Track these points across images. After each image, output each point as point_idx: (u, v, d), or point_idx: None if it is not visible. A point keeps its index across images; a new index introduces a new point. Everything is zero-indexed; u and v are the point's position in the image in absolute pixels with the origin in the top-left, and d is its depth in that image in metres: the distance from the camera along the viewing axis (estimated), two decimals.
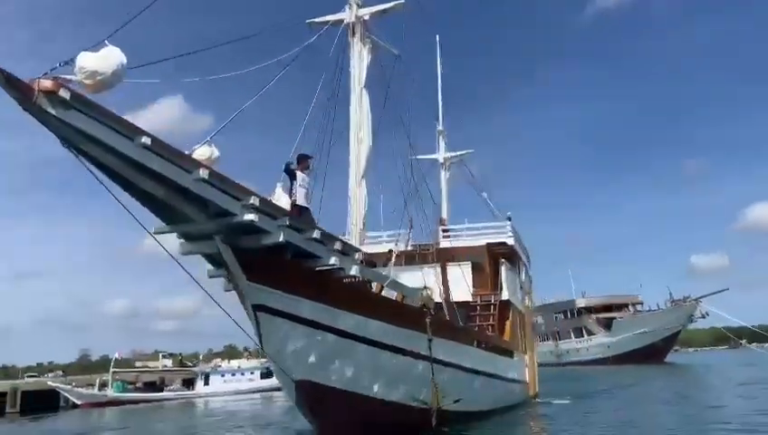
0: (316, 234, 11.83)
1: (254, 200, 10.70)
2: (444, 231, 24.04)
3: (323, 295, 12.39)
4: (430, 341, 13.86)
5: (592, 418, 18.55)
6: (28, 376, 68.16)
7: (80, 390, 52.00)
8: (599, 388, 31.38)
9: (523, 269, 26.54)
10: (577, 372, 55.20)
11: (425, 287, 15.61)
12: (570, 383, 37.22)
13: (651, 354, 63.60)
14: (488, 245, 23.34)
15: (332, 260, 12.21)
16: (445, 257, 21.86)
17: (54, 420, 40.28)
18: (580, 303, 75.04)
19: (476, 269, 21.49)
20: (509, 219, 25.06)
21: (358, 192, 16.95)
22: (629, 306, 74.16)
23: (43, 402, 49.36)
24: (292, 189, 13.65)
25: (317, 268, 12.43)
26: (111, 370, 54.00)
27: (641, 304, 73.87)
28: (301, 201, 13.66)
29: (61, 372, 68.42)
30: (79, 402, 49.93)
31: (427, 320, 13.87)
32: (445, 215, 26.95)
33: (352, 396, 12.96)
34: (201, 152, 10.93)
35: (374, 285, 15.45)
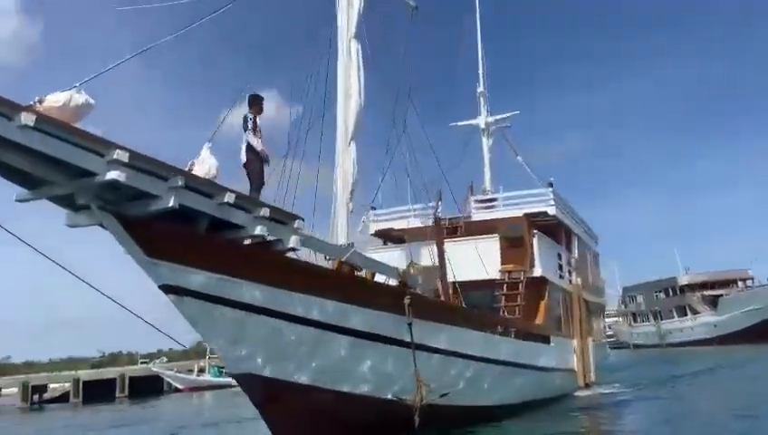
0: (228, 198, 9.03)
1: (119, 155, 8.08)
2: (476, 202, 20.65)
3: (261, 273, 9.77)
4: (410, 325, 10.86)
5: (633, 410, 15.10)
6: (141, 362, 69.94)
7: (180, 375, 52.32)
8: (686, 371, 27.18)
9: (574, 242, 22.59)
10: (678, 353, 49.73)
11: (412, 263, 12.62)
12: (657, 367, 32.75)
13: (765, 332, 56.19)
14: (527, 215, 19.77)
15: (258, 229, 9.44)
16: (477, 231, 18.64)
17: (154, 403, 40.32)
18: (683, 280, 67.60)
19: (511, 243, 18.11)
20: (550, 185, 21.28)
21: (345, 157, 13.99)
22: (738, 282, 66.15)
23: (148, 387, 50.06)
24: (249, 138, 10.92)
25: (246, 241, 9.74)
26: (207, 356, 53.92)
27: (752, 279, 65.68)
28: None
29: (165, 359, 69.76)
30: (180, 387, 50.11)
31: (407, 301, 10.84)
32: (488, 185, 23.37)
33: (313, 391, 10.36)
34: (55, 99, 8.36)
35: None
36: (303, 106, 14.54)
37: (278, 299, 9.89)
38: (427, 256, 17.81)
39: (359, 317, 10.71)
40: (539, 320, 17.08)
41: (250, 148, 10.79)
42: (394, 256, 18.68)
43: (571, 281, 20.45)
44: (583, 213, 24.98)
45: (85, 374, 53.80)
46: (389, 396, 11.06)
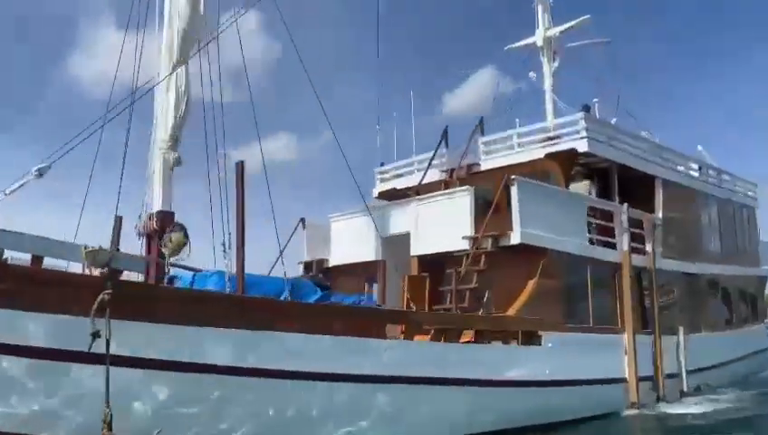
0: None
1: None
2: (484, 144, 14.78)
3: None
4: (96, 334, 6.57)
5: None
6: None
7: None
8: None
9: (657, 193, 15.21)
10: None
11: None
12: None
13: None
14: (550, 157, 13.66)
15: None
16: (486, 182, 13.15)
17: None
18: None
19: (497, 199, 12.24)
20: (586, 109, 14.51)
21: (170, 83, 9.82)
22: None
23: None
24: None
25: None
26: None
27: None
28: None
29: None
30: None
31: (104, 296, 6.63)
32: (551, 126, 16.85)
33: None
34: None
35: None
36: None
37: None
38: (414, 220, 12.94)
39: None
40: (514, 309, 11.10)
41: None
42: (359, 225, 14.07)
43: (628, 249, 13.38)
44: None
45: None
46: None
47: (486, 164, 14.50)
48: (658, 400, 13.45)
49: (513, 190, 11.37)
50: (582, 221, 12.74)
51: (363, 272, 13.53)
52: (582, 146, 13.20)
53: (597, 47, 18.59)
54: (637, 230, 14.04)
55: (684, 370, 14.33)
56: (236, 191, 8.65)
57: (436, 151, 15.26)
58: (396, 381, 8.91)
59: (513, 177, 11.46)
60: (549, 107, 17.35)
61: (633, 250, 13.81)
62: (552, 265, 11.62)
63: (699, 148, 19.21)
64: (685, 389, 14.29)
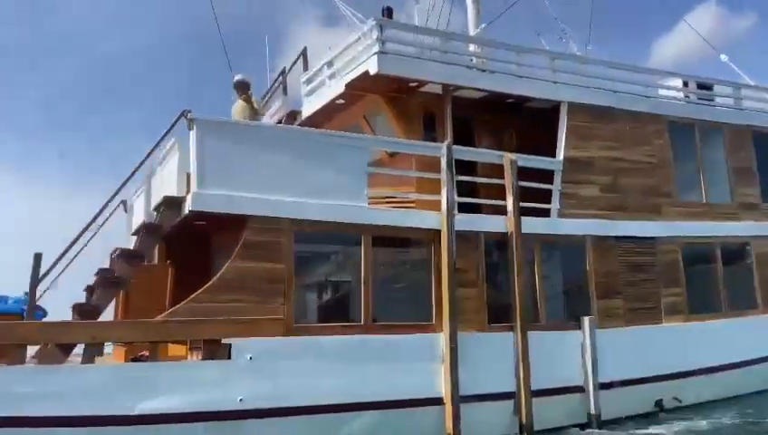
0: None
1: None
2: (305, 82, 10.88)
3: None
4: None
5: None
6: None
7: None
8: None
9: (563, 115, 10.09)
10: None
11: None
12: None
13: None
14: (350, 88, 9.57)
15: None
16: None
17: None
18: None
19: None
20: (388, 13, 9.84)
21: None
22: None
23: None
24: None
25: None
26: None
27: None
28: None
29: None
30: None
31: None
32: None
33: None
34: None
35: None
36: None
37: None
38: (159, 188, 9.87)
39: None
40: (181, 307, 7.29)
41: None
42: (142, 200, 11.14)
43: (449, 212, 8.55)
44: None
45: None
46: None
47: (308, 109, 10.73)
48: (522, 430, 8.76)
49: (193, 135, 7.75)
50: (358, 172, 8.47)
51: None
52: (372, 66, 8.89)
53: None
54: (494, 181, 9.36)
55: (591, 382, 9.26)
56: None
57: (267, 100, 11.68)
58: None
59: (190, 115, 7.81)
60: (471, 24, 12.82)
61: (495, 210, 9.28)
62: (266, 241, 7.81)
63: (723, 57, 13.09)
64: (593, 410, 9.25)
